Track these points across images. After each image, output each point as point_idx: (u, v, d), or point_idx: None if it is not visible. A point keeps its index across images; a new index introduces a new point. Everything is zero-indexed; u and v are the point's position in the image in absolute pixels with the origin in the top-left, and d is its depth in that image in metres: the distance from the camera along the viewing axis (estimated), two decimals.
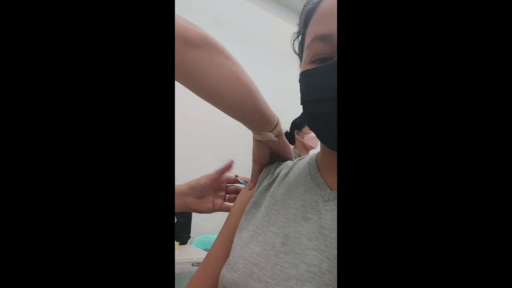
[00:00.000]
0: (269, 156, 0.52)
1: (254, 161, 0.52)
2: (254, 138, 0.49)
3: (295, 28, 0.44)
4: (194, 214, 1.58)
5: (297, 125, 1.79)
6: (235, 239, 0.42)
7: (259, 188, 0.46)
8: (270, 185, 0.46)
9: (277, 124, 0.47)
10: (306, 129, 1.72)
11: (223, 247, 0.44)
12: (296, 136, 1.81)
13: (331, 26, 0.35)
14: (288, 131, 1.89)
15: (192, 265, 1.20)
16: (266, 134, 0.47)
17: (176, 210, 0.57)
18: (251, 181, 0.51)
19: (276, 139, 0.48)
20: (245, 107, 0.42)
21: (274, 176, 0.47)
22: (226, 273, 0.38)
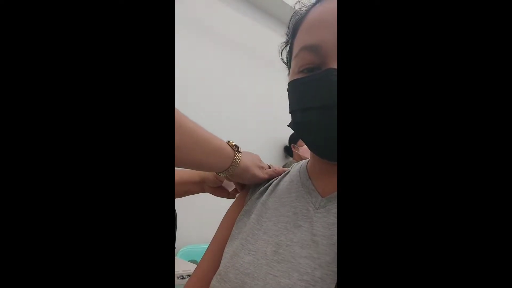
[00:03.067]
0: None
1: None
2: None
3: (281, 37, 0.45)
4: (179, 225, 1.55)
5: (293, 139, 1.95)
6: (226, 249, 0.41)
7: (251, 197, 0.46)
8: (262, 193, 0.46)
9: (230, 165, 0.44)
10: (301, 142, 1.80)
11: (213, 257, 0.43)
12: (293, 149, 1.96)
13: (318, 36, 0.35)
14: (288, 145, 2.03)
15: (178, 278, 1.16)
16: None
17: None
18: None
19: (221, 175, 0.46)
20: (182, 164, 0.40)
21: (266, 185, 0.47)
22: (216, 284, 0.37)
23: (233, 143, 0.45)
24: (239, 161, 0.44)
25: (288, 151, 2.10)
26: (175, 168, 0.39)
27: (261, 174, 0.48)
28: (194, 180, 0.59)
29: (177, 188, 0.59)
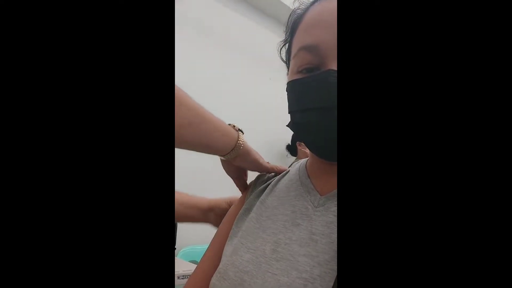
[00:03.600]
0: (237, 170, 0.50)
1: (228, 175, 0.52)
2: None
3: (281, 38, 0.45)
4: (179, 225, 1.55)
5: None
6: (225, 247, 0.41)
7: (251, 195, 0.46)
8: (261, 191, 0.46)
9: (234, 146, 0.44)
10: None
11: (214, 256, 0.43)
12: (299, 147, 1.93)
13: (317, 36, 0.35)
14: (290, 144, 1.96)
15: (178, 278, 1.16)
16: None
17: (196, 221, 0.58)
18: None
19: (225, 158, 0.45)
20: (189, 143, 0.40)
21: (265, 184, 0.47)
22: (216, 282, 0.37)
23: (235, 125, 0.45)
24: (243, 143, 0.44)
25: (290, 149, 2.07)
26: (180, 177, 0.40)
27: (262, 160, 0.49)
28: (201, 207, 0.58)
29: (180, 210, 0.57)
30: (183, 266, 1.30)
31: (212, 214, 0.57)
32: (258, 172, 0.51)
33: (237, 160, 0.46)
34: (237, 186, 0.52)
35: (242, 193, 0.51)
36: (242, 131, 0.46)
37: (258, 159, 0.48)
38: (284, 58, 0.46)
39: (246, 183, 0.53)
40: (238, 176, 0.51)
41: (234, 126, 0.45)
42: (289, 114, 0.41)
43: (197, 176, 1.64)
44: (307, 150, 0.42)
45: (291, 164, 0.50)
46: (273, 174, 0.50)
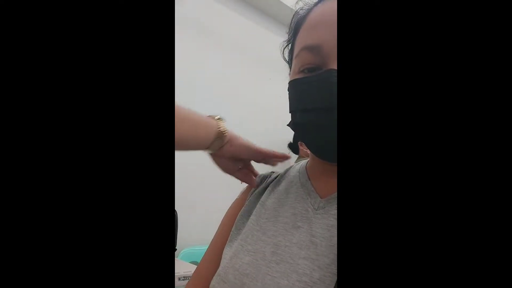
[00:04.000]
0: (231, 163, 0.46)
1: (225, 172, 0.48)
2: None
3: (281, 39, 0.45)
4: (180, 226, 1.55)
5: None
6: (225, 249, 0.41)
7: (250, 197, 0.46)
8: (261, 193, 0.45)
9: (216, 135, 0.41)
10: None
11: (213, 257, 0.43)
12: (300, 147, 1.92)
13: (319, 36, 0.35)
14: (292, 142, 1.97)
15: (179, 279, 1.16)
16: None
17: None
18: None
19: (210, 150, 0.43)
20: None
21: (264, 185, 0.47)
22: (216, 285, 0.37)
23: (214, 116, 0.43)
24: (225, 130, 0.42)
25: (292, 148, 2.07)
26: None
27: (254, 145, 0.45)
28: None
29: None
30: (183, 267, 1.29)
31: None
32: (253, 158, 0.47)
33: (225, 150, 0.43)
34: (241, 180, 0.48)
35: (252, 185, 0.48)
36: (222, 119, 0.43)
37: (247, 143, 0.45)
38: (287, 58, 0.45)
39: (251, 172, 0.49)
40: (235, 169, 0.47)
41: (214, 117, 0.43)
42: (290, 114, 0.40)
43: (197, 174, 1.64)
44: (309, 151, 0.42)
45: (294, 164, 0.50)
46: (272, 176, 0.50)
